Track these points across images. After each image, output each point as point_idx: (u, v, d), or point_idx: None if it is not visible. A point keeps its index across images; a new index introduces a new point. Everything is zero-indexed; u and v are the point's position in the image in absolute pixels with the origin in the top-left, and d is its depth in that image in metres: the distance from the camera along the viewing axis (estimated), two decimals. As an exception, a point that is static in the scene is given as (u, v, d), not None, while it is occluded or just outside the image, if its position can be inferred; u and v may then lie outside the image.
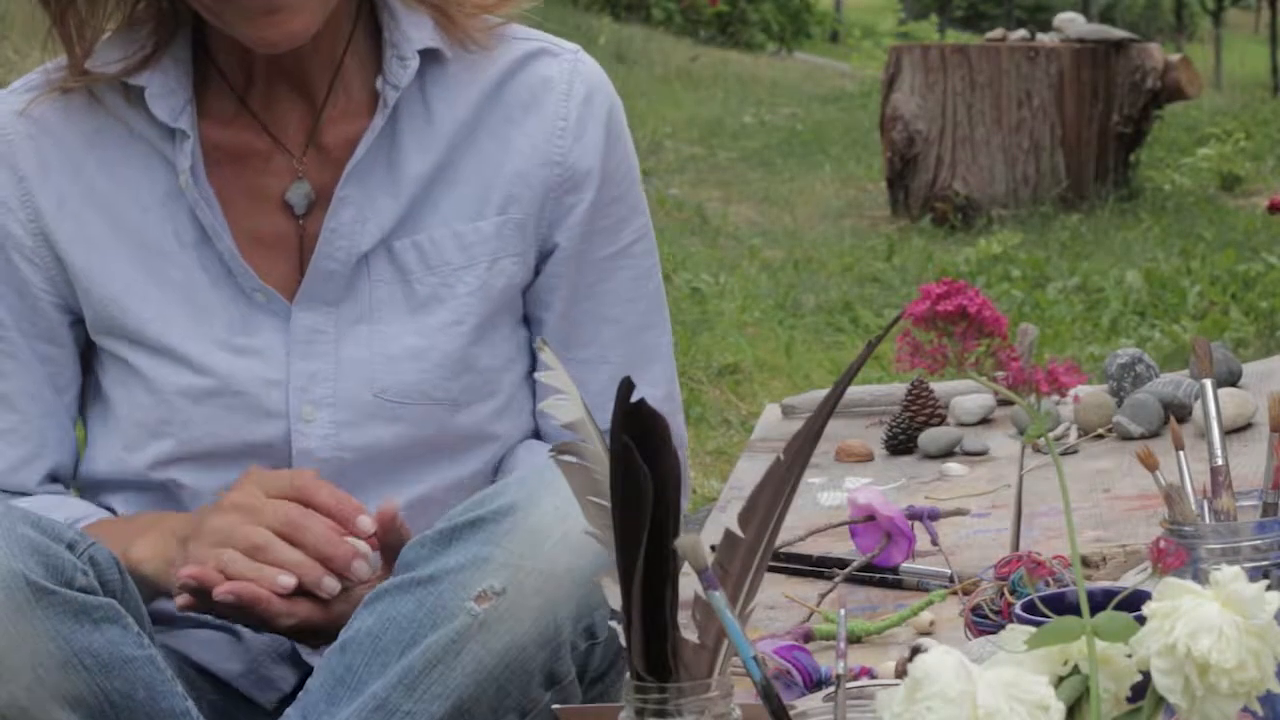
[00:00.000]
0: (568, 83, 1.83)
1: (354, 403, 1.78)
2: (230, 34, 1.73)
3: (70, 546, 1.59)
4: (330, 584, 1.63)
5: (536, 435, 1.88)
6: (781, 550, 2.33)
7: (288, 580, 1.62)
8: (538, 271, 1.84)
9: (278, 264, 1.81)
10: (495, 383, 1.82)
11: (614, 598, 1.21)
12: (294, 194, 1.81)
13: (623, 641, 1.21)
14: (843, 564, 2.36)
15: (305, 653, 1.80)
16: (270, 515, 1.65)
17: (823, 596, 2.19)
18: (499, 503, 1.58)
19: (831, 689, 1.43)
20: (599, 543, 1.53)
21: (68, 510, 1.80)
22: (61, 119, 1.82)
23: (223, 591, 1.61)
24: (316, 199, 1.80)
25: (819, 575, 2.37)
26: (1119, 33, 8.72)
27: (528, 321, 1.87)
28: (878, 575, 2.28)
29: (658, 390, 1.87)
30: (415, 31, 1.78)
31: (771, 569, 2.09)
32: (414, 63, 1.77)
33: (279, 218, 1.81)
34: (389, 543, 1.67)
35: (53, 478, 1.86)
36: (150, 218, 1.80)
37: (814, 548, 2.42)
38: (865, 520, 2.30)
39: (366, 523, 1.65)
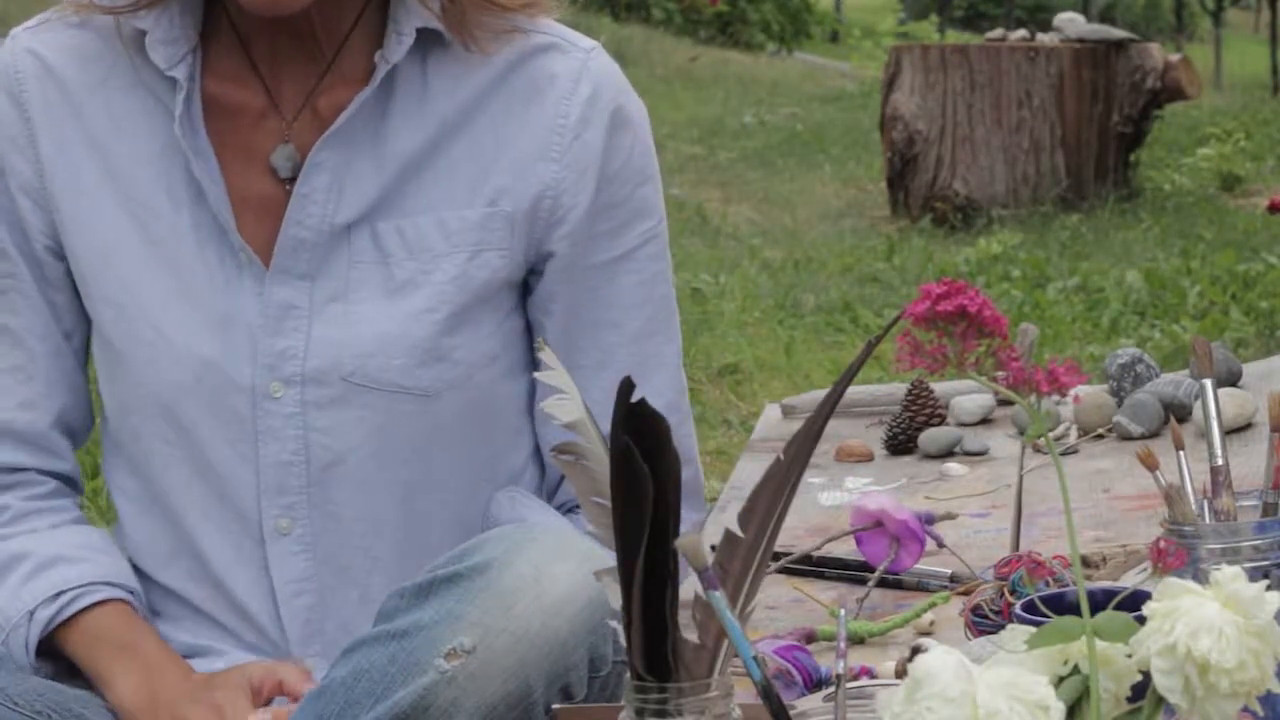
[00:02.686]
0: (573, 80, 1.79)
1: (323, 384, 1.75)
2: None
3: None
4: None
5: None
6: (781, 550, 2.33)
7: None
8: (539, 275, 1.80)
9: (262, 227, 1.77)
10: (473, 377, 1.78)
11: (614, 597, 1.21)
12: (278, 156, 1.78)
13: (622, 641, 1.21)
14: (843, 564, 2.36)
15: None
16: None
17: (860, 602, 2.19)
18: (475, 559, 1.57)
19: (831, 689, 1.43)
20: (577, 601, 1.54)
21: (82, 570, 1.77)
22: (72, 60, 1.80)
23: None
24: (303, 165, 1.77)
25: (819, 576, 2.37)
26: (1119, 33, 8.72)
27: (529, 324, 1.83)
28: (877, 576, 2.28)
29: (660, 400, 1.80)
30: (419, 10, 1.75)
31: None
32: (409, 39, 1.74)
33: (266, 180, 1.78)
34: None
35: (61, 421, 1.84)
36: (145, 172, 1.78)
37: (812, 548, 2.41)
38: (872, 527, 2.28)
39: None
